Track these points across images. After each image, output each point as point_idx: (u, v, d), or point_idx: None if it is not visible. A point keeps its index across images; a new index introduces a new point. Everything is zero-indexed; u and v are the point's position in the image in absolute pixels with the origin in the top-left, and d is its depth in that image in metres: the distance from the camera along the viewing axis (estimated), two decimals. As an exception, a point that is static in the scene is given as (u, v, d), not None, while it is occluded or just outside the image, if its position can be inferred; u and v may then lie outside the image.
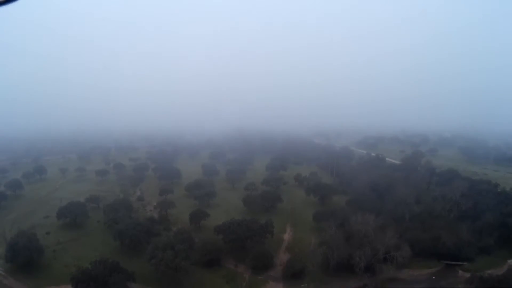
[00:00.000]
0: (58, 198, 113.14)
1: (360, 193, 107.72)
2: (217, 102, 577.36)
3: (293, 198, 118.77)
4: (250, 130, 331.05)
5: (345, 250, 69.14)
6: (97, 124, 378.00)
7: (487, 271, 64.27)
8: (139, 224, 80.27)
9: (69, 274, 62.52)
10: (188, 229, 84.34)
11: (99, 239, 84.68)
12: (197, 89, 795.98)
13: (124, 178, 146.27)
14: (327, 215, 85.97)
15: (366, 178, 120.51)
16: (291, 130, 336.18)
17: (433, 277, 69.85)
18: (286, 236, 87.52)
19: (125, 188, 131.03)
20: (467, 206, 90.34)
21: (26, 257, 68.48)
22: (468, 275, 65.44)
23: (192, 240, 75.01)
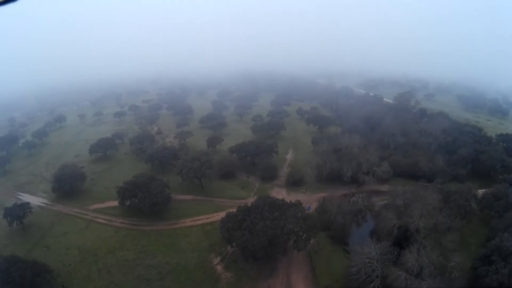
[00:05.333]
0: (82, 140, 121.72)
1: (354, 125, 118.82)
2: (225, 46, 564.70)
3: (295, 128, 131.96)
4: (255, 71, 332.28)
5: (336, 164, 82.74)
6: (104, 73, 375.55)
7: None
8: (166, 149, 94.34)
9: (110, 194, 72.74)
10: (207, 152, 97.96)
11: (130, 165, 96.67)
12: (205, 35, 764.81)
13: (140, 117, 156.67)
14: (324, 140, 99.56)
15: (361, 114, 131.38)
16: (296, 71, 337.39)
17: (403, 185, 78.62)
18: (289, 156, 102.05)
19: (143, 126, 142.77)
20: (446, 141, 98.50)
21: (72, 184, 77.54)
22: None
23: (211, 159, 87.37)
